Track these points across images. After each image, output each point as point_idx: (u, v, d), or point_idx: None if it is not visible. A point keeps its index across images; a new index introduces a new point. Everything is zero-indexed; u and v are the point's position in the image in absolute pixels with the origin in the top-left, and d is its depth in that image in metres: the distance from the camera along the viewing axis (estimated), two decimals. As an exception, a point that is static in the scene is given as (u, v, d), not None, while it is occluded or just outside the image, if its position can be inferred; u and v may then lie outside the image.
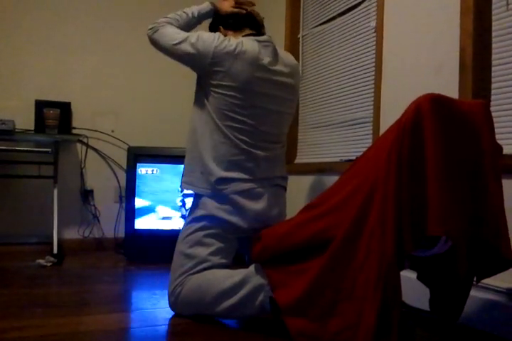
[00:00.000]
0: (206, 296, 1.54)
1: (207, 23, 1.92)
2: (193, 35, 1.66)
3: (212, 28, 1.88)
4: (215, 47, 1.62)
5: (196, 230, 1.65)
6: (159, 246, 2.62)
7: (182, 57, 1.69)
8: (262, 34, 1.80)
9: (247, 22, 1.83)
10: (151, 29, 1.74)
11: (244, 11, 1.84)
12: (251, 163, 1.66)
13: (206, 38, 1.65)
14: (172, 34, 1.70)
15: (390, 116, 1.95)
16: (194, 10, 1.84)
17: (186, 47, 1.65)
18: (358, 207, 1.22)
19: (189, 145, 1.73)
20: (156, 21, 1.75)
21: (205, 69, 1.65)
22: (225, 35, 1.73)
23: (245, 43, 1.67)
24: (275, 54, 1.74)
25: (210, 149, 1.65)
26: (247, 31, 1.81)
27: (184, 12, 1.83)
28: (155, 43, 1.74)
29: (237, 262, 1.72)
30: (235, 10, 1.84)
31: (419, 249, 1.17)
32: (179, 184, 1.77)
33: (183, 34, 1.70)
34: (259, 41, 1.71)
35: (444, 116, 1.14)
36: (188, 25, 1.82)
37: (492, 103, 1.61)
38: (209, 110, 1.67)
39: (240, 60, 1.63)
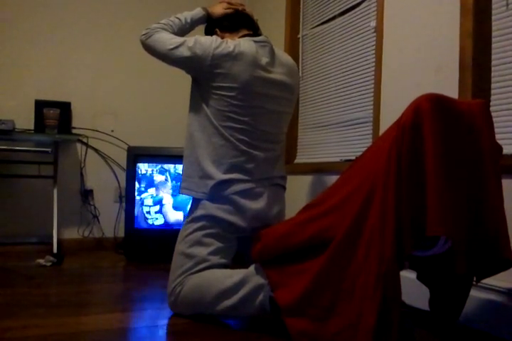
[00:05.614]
0: (206, 296, 1.54)
1: (200, 28, 1.92)
2: (190, 40, 1.67)
3: (208, 32, 1.88)
4: (214, 49, 1.63)
5: (196, 230, 1.65)
6: (159, 246, 2.63)
7: (179, 61, 1.68)
8: (259, 35, 1.81)
9: (242, 22, 1.84)
10: (144, 35, 1.74)
11: (237, 9, 1.85)
12: (251, 164, 1.66)
13: (204, 42, 1.65)
14: (167, 39, 1.70)
15: (390, 116, 1.96)
16: (187, 16, 1.84)
17: (184, 51, 1.65)
18: (357, 206, 1.22)
19: (186, 151, 1.73)
20: (149, 27, 1.74)
21: (205, 72, 1.65)
22: (222, 38, 1.74)
23: (243, 44, 1.68)
24: (272, 54, 1.75)
25: (209, 153, 1.66)
26: (244, 31, 1.82)
27: (177, 18, 1.82)
28: (149, 49, 1.74)
29: (237, 262, 1.72)
30: (228, 10, 1.85)
31: (418, 249, 1.17)
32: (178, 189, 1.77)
33: (178, 39, 1.70)
34: (256, 41, 1.72)
35: (443, 116, 1.14)
36: (182, 31, 1.82)
37: (492, 103, 1.61)
38: (207, 113, 1.67)
39: (239, 61, 1.64)
